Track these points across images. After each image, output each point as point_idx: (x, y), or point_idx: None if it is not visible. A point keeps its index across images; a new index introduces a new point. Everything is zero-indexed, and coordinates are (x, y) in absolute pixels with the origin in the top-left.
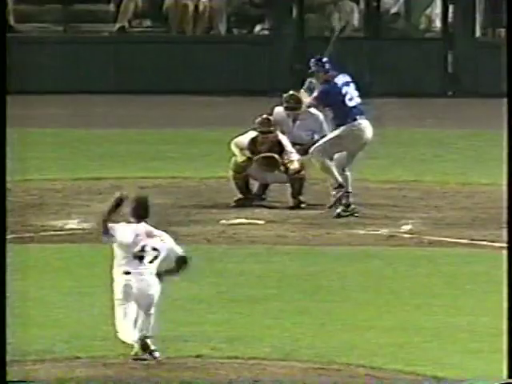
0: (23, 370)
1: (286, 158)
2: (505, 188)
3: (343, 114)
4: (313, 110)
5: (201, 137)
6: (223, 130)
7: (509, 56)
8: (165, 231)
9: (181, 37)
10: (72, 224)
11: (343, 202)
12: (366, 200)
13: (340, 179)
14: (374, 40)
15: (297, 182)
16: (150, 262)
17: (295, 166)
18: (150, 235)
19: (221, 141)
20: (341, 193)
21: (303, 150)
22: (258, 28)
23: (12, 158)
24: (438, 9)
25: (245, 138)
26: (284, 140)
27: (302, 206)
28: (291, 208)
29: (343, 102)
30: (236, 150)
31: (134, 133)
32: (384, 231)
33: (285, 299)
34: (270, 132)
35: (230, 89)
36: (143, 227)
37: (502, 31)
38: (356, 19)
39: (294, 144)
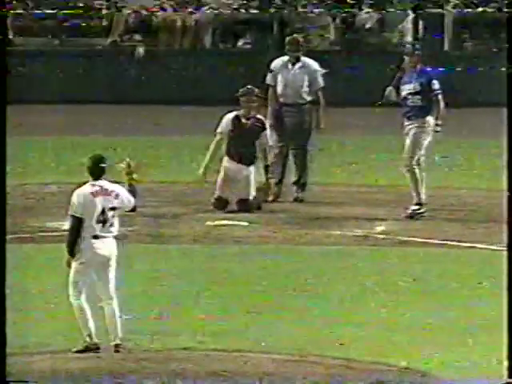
0: (22, 361)
1: (263, 139)
2: (505, 190)
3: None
4: (309, 60)
5: (187, 144)
6: (208, 138)
7: (508, 67)
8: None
9: (169, 50)
10: (67, 225)
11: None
12: (342, 202)
13: (423, 197)
14: (349, 53)
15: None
16: (111, 225)
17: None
18: (106, 193)
19: (206, 147)
20: (421, 211)
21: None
22: (240, 42)
23: (11, 164)
24: (409, 24)
25: (224, 122)
26: (263, 119)
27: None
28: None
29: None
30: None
31: (124, 140)
32: (359, 232)
33: (266, 295)
34: (253, 102)
35: (215, 99)
36: (99, 186)
37: (469, 45)
38: (332, 33)
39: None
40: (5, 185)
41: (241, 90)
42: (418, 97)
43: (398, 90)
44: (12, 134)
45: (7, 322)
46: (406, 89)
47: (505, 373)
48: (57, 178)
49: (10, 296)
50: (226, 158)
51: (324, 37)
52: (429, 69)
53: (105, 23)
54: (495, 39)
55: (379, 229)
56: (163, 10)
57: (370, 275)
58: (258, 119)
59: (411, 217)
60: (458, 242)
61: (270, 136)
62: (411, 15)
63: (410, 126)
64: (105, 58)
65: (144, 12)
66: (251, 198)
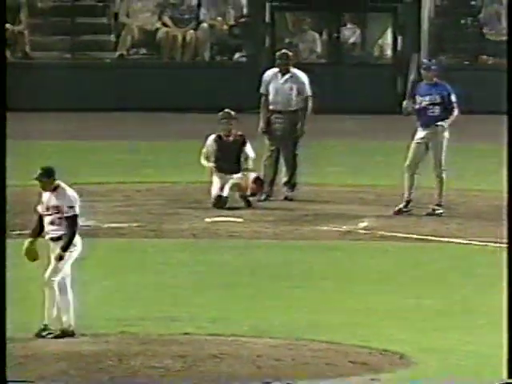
0: (35, 346)
1: (245, 152)
2: (505, 192)
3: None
4: (298, 72)
5: (186, 147)
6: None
7: (509, 73)
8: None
9: (171, 62)
10: (79, 221)
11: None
12: (329, 201)
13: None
14: (335, 65)
15: (254, 193)
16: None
17: (250, 180)
18: (56, 197)
19: (200, 151)
20: (440, 211)
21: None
22: (236, 55)
23: (27, 167)
24: (388, 39)
25: (209, 143)
26: (245, 136)
27: (250, 204)
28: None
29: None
30: (204, 163)
31: (130, 144)
32: (344, 227)
33: (260, 285)
34: (231, 124)
35: (212, 107)
36: (50, 192)
37: (443, 59)
38: (319, 48)
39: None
40: (5, 185)
41: (220, 114)
42: (438, 107)
43: (413, 100)
44: (26, 137)
45: (23, 308)
46: (426, 100)
47: (505, 373)
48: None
49: (27, 284)
50: (215, 173)
51: (312, 50)
52: (444, 82)
53: (113, 39)
54: (467, 52)
55: (362, 225)
56: (165, 26)
57: (353, 267)
58: (240, 135)
59: (431, 214)
60: (433, 236)
61: (250, 149)
62: (390, 31)
63: (429, 136)
64: (113, 70)
65: (148, 28)
66: (225, 194)
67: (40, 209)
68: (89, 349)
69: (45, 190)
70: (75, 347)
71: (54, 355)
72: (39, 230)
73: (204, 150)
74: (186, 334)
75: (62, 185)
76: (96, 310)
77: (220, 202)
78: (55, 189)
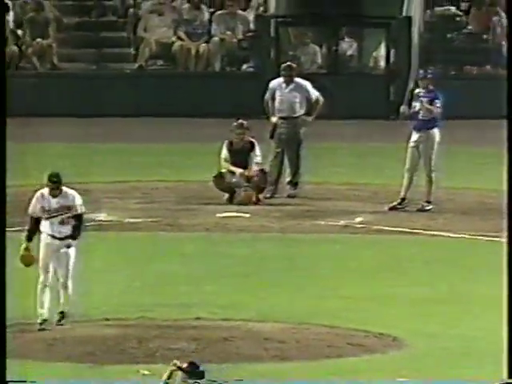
0: (63, 329)
1: (252, 156)
2: (505, 191)
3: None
4: (301, 80)
5: (200, 150)
6: (216, 145)
7: (509, 79)
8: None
9: (185, 73)
10: (101, 217)
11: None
12: (328, 198)
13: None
14: (334, 75)
15: (256, 183)
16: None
17: (253, 171)
18: (64, 198)
19: (214, 153)
20: (430, 207)
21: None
22: (244, 66)
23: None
24: (382, 52)
25: (224, 147)
26: (255, 142)
27: (260, 202)
28: (255, 204)
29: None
30: (224, 164)
31: (148, 147)
32: (342, 222)
33: (266, 275)
34: (243, 133)
35: (222, 113)
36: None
37: (432, 69)
38: (319, 59)
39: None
40: (5, 185)
41: (234, 124)
42: (428, 112)
43: (409, 106)
44: (58, 140)
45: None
46: (417, 105)
47: (505, 373)
48: (90, 178)
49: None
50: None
51: (313, 62)
52: (436, 90)
53: (133, 51)
54: (453, 63)
55: (358, 219)
56: (180, 39)
57: (350, 257)
58: (250, 141)
59: (421, 210)
60: (424, 230)
61: (259, 152)
62: (384, 44)
63: (421, 139)
64: (132, 80)
65: (165, 41)
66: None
67: (38, 213)
68: (111, 332)
69: (54, 194)
70: (99, 331)
71: (80, 338)
72: (34, 234)
73: (222, 156)
74: (199, 318)
75: (64, 187)
76: (117, 297)
77: (220, 181)
78: (60, 192)
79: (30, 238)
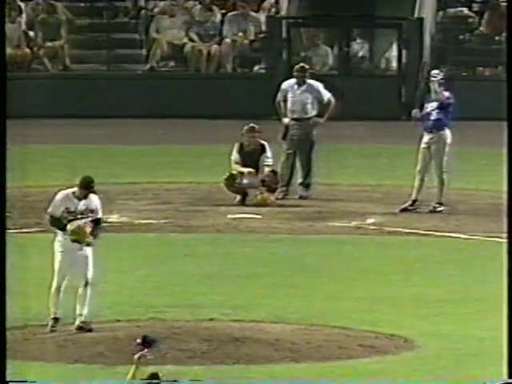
0: (74, 330)
1: (263, 158)
2: (502, 191)
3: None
4: (313, 82)
5: (211, 151)
6: (228, 146)
7: (509, 79)
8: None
9: (197, 74)
10: (114, 218)
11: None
12: (339, 199)
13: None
14: (345, 76)
15: (268, 183)
16: None
17: (266, 172)
18: (90, 201)
19: (226, 154)
20: (441, 208)
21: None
22: (256, 67)
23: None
24: (394, 52)
25: (235, 150)
26: (266, 144)
27: (273, 203)
28: (264, 205)
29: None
30: (234, 166)
31: (160, 148)
32: (353, 223)
33: (276, 276)
34: (254, 137)
35: (235, 114)
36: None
37: (444, 70)
38: (331, 60)
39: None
40: (5, 185)
41: (245, 128)
42: (440, 113)
43: (421, 108)
44: (69, 142)
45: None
46: (429, 106)
47: (505, 373)
48: (103, 179)
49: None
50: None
51: (324, 63)
52: (447, 92)
53: (144, 52)
54: (465, 65)
55: (370, 221)
56: (192, 41)
57: (362, 259)
58: (260, 144)
59: (432, 212)
60: (435, 231)
61: (270, 155)
62: (395, 45)
63: (433, 140)
64: (144, 81)
65: (176, 43)
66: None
67: (58, 213)
68: (122, 333)
69: (81, 197)
70: (110, 332)
71: (91, 339)
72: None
73: (232, 158)
74: (210, 319)
75: None
76: (129, 298)
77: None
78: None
79: (63, 228)
